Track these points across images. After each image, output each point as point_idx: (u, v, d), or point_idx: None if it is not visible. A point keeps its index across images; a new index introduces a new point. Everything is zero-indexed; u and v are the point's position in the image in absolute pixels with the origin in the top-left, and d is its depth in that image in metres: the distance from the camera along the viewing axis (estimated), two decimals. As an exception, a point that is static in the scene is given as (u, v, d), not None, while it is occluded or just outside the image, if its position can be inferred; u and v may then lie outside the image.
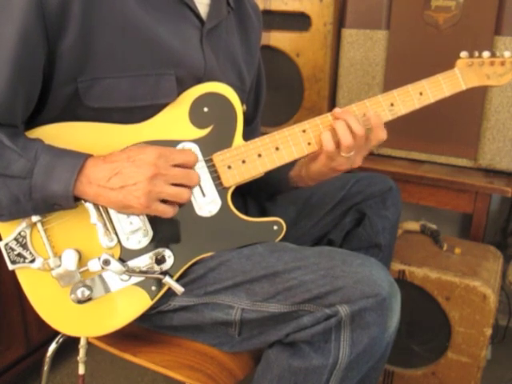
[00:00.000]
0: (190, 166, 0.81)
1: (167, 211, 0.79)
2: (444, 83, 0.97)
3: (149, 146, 0.79)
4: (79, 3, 0.75)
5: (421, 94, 0.96)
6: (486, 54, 0.99)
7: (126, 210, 0.78)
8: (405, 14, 1.51)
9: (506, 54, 1.00)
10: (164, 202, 0.78)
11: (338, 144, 0.89)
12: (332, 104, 1.70)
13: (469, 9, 1.43)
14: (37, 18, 0.73)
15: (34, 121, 0.83)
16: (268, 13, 1.65)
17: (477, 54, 0.99)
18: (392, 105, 0.95)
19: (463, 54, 0.99)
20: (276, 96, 1.71)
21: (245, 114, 0.94)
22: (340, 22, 1.63)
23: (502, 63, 1.00)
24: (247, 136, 0.92)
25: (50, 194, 0.75)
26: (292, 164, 1.01)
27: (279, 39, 1.66)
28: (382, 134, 0.91)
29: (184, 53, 0.86)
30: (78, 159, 0.76)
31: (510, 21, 1.38)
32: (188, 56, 0.87)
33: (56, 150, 0.77)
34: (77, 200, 0.78)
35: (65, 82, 0.79)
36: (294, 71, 1.68)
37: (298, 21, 1.64)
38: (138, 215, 0.82)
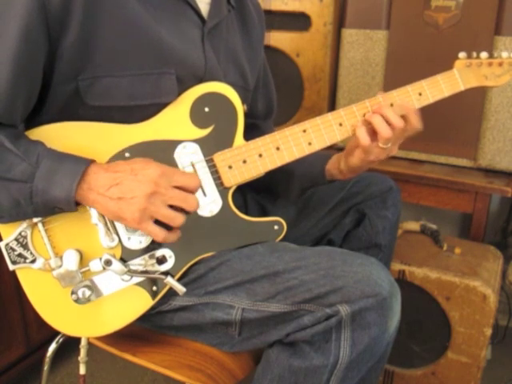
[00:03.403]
0: (190, 190, 0.79)
1: (157, 233, 0.77)
2: (443, 84, 0.98)
3: (154, 162, 0.78)
4: (81, 1, 0.75)
5: (420, 94, 0.96)
6: (483, 54, 1.00)
7: (118, 220, 0.78)
8: (405, 14, 1.51)
9: (504, 54, 1.00)
10: (158, 222, 0.77)
11: (373, 137, 0.89)
12: (332, 104, 1.71)
13: (469, 9, 1.43)
14: (39, 16, 0.73)
15: (34, 120, 0.83)
16: (268, 13, 1.65)
17: (475, 54, 1.00)
18: (392, 105, 0.95)
19: (461, 54, 0.99)
20: (276, 96, 1.71)
21: (247, 113, 0.94)
22: (340, 22, 1.63)
23: (500, 64, 1.00)
24: (263, 132, 0.92)
25: (51, 199, 0.75)
26: (327, 157, 1.01)
27: (279, 39, 1.66)
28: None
29: (185, 52, 0.86)
30: (80, 165, 0.75)
31: (510, 21, 1.38)
32: (189, 55, 0.87)
33: (58, 154, 0.77)
34: (78, 204, 0.77)
35: (65, 80, 0.79)
36: (294, 71, 1.68)
37: (298, 21, 1.64)
38: (128, 228, 0.81)
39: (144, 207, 0.74)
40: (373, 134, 0.90)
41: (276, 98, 1.18)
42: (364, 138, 0.89)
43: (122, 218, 0.75)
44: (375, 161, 0.92)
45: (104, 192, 0.75)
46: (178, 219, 0.77)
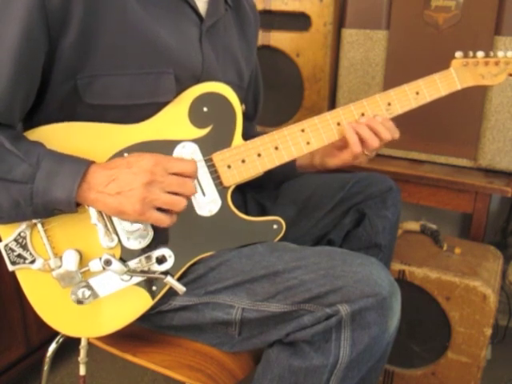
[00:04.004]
0: (187, 175, 0.79)
1: (163, 220, 0.77)
2: (440, 83, 0.98)
3: (148, 153, 0.78)
4: (81, 1, 0.75)
5: (417, 93, 0.97)
6: (480, 54, 1.00)
7: (120, 215, 0.77)
8: (405, 14, 1.51)
9: (500, 53, 1.00)
10: (160, 210, 0.77)
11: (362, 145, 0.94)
12: (332, 104, 1.71)
13: (469, 9, 1.43)
14: (39, 15, 0.73)
15: (32, 118, 0.84)
16: (268, 13, 1.65)
17: (471, 54, 1.00)
18: (389, 104, 0.95)
19: (458, 54, 1.00)
20: (276, 96, 1.71)
21: (244, 112, 0.94)
22: (340, 22, 1.63)
23: (496, 63, 1.00)
24: (247, 132, 0.93)
25: (51, 200, 0.75)
26: None
27: (279, 39, 1.66)
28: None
29: (182, 52, 0.86)
30: (81, 166, 0.76)
31: (510, 21, 1.38)
32: (186, 54, 0.87)
33: (58, 155, 0.77)
34: (78, 205, 0.77)
35: (64, 79, 0.79)
36: (294, 71, 1.68)
37: (298, 21, 1.64)
38: (132, 222, 0.81)
39: (143, 197, 0.74)
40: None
41: (262, 100, 1.19)
42: (357, 146, 0.93)
43: (124, 212, 0.75)
44: (356, 165, 1.00)
45: (103, 189, 0.75)
46: (180, 203, 0.77)
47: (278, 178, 1.10)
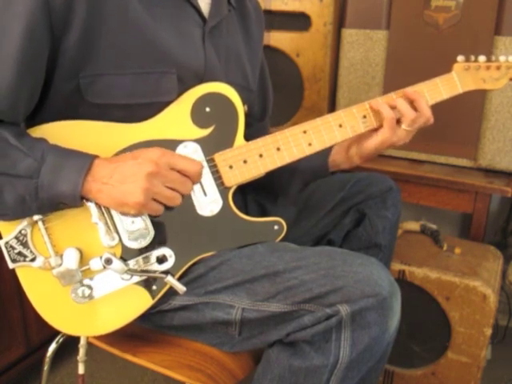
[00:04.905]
0: (189, 175, 0.80)
1: (159, 211, 0.79)
2: (442, 86, 0.98)
3: (155, 147, 0.79)
4: (84, 0, 0.75)
5: None
6: (481, 58, 1.00)
7: (122, 208, 0.77)
8: (405, 14, 1.51)
9: (502, 58, 1.01)
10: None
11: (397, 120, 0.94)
12: (332, 104, 1.71)
13: (469, 9, 1.43)
14: (43, 14, 0.74)
15: (35, 118, 0.84)
16: (268, 13, 1.65)
17: (473, 58, 1.01)
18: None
19: (460, 58, 1.00)
20: (276, 96, 1.70)
21: (247, 113, 0.94)
22: (340, 22, 1.63)
23: (498, 68, 1.01)
24: (256, 133, 0.93)
25: (57, 194, 0.75)
26: (328, 149, 1.02)
27: (279, 39, 1.67)
28: None
29: (184, 52, 0.86)
30: (86, 159, 0.76)
31: (510, 21, 1.38)
32: (188, 55, 0.87)
33: (62, 149, 0.77)
34: (83, 199, 0.78)
35: (67, 77, 0.80)
36: (294, 71, 1.68)
37: (298, 21, 1.64)
38: (132, 215, 0.81)
39: (146, 187, 0.74)
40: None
41: (272, 100, 1.18)
42: (388, 112, 0.92)
43: (126, 203, 0.75)
44: (396, 143, 0.96)
45: (107, 181, 0.75)
46: (177, 200, 0.79)
47: (307, 176, 1.07)
